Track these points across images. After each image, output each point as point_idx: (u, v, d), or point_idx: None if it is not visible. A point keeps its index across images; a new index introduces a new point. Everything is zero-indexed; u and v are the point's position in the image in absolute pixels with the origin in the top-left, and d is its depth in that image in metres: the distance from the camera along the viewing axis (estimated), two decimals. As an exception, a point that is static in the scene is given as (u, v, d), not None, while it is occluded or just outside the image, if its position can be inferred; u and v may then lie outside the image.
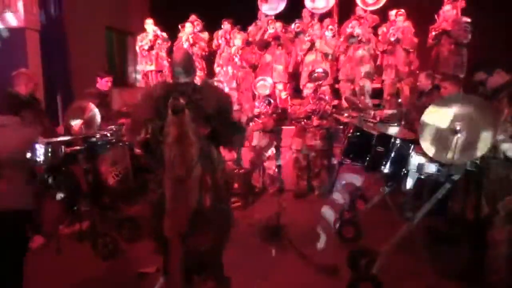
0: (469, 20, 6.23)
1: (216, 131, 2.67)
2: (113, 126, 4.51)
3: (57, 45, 6.70)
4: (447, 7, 6.41)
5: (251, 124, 5.88)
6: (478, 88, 3.10)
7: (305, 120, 5.71)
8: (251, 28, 7.52)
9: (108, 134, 4.33)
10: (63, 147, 3.93)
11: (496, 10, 6.86)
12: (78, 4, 7.00)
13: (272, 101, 6.05)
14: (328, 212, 4.64)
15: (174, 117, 2.48)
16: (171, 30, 7.50)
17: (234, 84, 7.03)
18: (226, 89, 6.44)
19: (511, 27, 6.86)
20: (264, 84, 6.20)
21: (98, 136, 4.23)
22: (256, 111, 5.89)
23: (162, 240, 2.61)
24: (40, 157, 3.63)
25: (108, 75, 5.17)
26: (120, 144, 4.28)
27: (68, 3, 6.74)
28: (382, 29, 6.95)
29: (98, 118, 4.46)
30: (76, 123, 4.23)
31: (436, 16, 6.55)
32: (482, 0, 6.72)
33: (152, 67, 7.37)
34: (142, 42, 7.33)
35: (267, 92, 6.14)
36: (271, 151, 5.81)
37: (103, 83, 5.15)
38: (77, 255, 3.87)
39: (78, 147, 4.11)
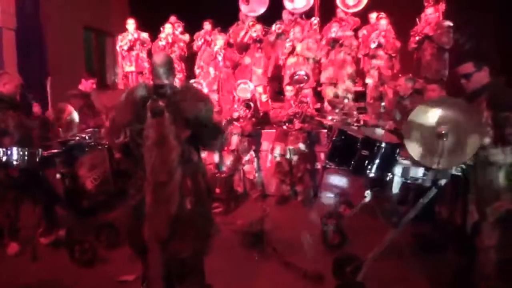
0: (451, 24, 6.33)
1: (195, 134, 2.65)
2: (91, 129, 4.45)
3: (34, 45, 6.57)
4: (429, 10, 6.50)
5: (229, 127, 5.85)
6: (460, 81, 3.09)
7: (287, 124, 5.70)
8: (232, 29, 7.53)
9: (87, 137, 4.26)
10: (40, 150, 3.86)
11: (478, 12, 6.99)
12: (55, 3, 6.88)
13: (251, 104, 6.02)
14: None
15: (154, 119, 2.47)
16: (152, 31, 7.45)
17: (215, 86, 7.01)
18: (205, 91, 6.41)
19: (494, 29, 7.04)
20: (245, 88, 6.17)
21: (76, 139, 4.15)
22: (235, 114, 5.85)
23: (141, 246, 2.57)
24: (17, 161, 3.55)
25: (92, 77, 5.19)
26: (99, 147, 4.21)
27: (46, 2, 6.62)
28: (362, 32, 7.03)
29: (76, 120, 4.39)
30: (53, 126, 4.15)
31: (417, 20, 6.65)
32: (463, 3, 6.84)
33: (132, 68, 7.31)
34: (122, 42, 7.25)
35: (248, 95, 6.11)
36: (250, 155, 5.78)
37: (88, 85, 5.12)
38: (53, 262, 3.77)
39: (55, 151, 4.04)
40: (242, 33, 7.20)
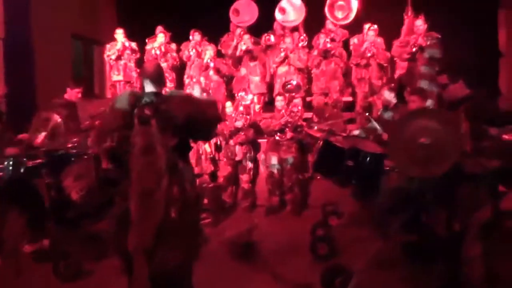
0: (439, 36, 6.49)
1: (190, 132, 2.69)
2: (78, 138, 4.44)
3: (21, 53, 6.56)
4: (419, 22, 6.62)
5: (233, 137, 5.87)
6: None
7: (278, 134, 5.75)
8: (223, 39, 7.59)
9: (73, 147, 4.26)
10: (25, 160, 3.85)
11: (456, 27, 7.25)
12: (43, 11, 6.89)
13: (250, 113, 6.09)
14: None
15: (141, 127, 2.50)
16: (139, 40, 7.49)
17: (205, 95, 7.05)
18: None
19: (472, 43, 7.25)
20: (243, 97, 6.26)
21: (62, 149, 4.15)
22: (238, 124, 5.87)
23: (127, 257, 2.57)
24: (1, 171, 3.54)
25: (77, 86, 5.16)
26: (86, 157, 4.21)
27: (34, 10, 6.63)
28: (353, 40, 7.13)
29: (62, 130, 4.39)
30: (39, 135, 4.15)
31: (402, 31, 6.80)
32: (448, 17, 7.07)
33: (120, 77, 7.31)
34: (110, 51, 7.27)
35: (248, 103, 6.22)
36: (249, 163, 5.81)
37: (73, 94, 5.10)
38: (37, 275, 3.74)
39: (41, 161, 4.03)
40: (233, 44, 7.27)
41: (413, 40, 6.57)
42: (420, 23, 6.59)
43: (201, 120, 2.72)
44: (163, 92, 2.87)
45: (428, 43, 6.39)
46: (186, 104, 2.72)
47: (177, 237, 2.61)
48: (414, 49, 6.51)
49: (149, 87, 2.75)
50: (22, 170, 3.87)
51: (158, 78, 2.78)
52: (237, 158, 5.82)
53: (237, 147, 5.83)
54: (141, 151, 2.49)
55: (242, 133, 5.82)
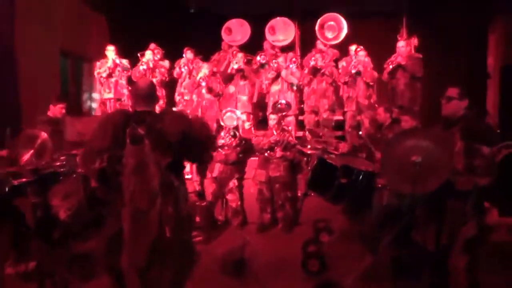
0: (421, 56, 6.78)
1: (185, 152, 2.68)
2: (65, 156, 4.40)
3: (6, 69, 6.50)
4: (401, 43, 6.87)
5: (214, 154, 5.87)
6: (442, 101, 3.25)
7: (268, 151, 5.78)
8: (214, 57, 7.67)
9: (61, 165, 4.21)
10: (10, 179, 3.80)
11: (448, 49, 7.52)
12: (31, 27, 6.86)
13: (237, 133, 6.09)
14: None
15: (133, 147, 2.47)
16: (130, 57, 7.51)
17: (199, 113, 7.08)
18: None
19: (463, 66, 7.50)
20: (231, 116, 6.27)
21: (49, 167, 4.10)
22: (221, 141, 5.89)
23: (119, 276, 2.54)
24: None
25: (61, 102, 5.11)
26: (74, 175, 4.17)
27: (20, 25, 6.60)
28: (342, 63, 7.27)
29: (50, 147, 4.34)
30: (25, 153, 4.10)
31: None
32: (434, 40, 7.29)
33: (111, 95, 7.29)
34: (101, 69, 7.26)
35: (235, 123, 6.20)
36: (232, 183, 5.81)
37: (56, 110, 5.06)
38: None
39: (26, 179, 3.97)
40: (225, 63, 7.35)
41: (393, 58, 6.76)
42: (401, 44, 6.81)
43: (194, 140, 2.72)
44: (156, 110, 2.88)
45: (411, 62, 6.59)
46: (180, 123, 2.73)
47: (170, 256, 2.60)
48: (391, 66, 6.67)
49: (141, 105, 2.74)
50: (7, 189, 3.80)
51: (150, 96, 2.78)
52: (214, 175, 5.81)
53: (217, 165, 5.82)
54: (133, 171, 2.47)
55: (223, 152, 5.81)
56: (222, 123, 6.18)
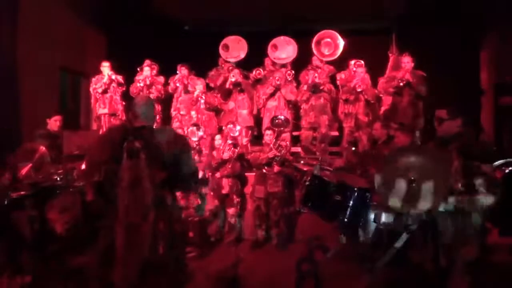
0: (424, 74, 6.81)
1: (171, 175, 2.72)
2: (63, 170, 4.44)
3: (7, 85, 6.57)
4: (406, 59, 6.88)
5: (220, 169, 5.92)
6: (434, 124, 3.31)
7: (265, 167, 5.82)
8: (211, 73, 7.77)
9: (58, 179, 4.25)
10: (8, 192, 3.82)
11: (440, 67, 7.60)
12: (31, 43, 6.97)
13: (238, 145, 6.16)
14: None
15: (129, 161, 2.53)
16: (127, 73, 7.61)
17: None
18: (200, 133, 6.55)
19: (455, 82, 7.66)
20: (232, 129, 6.40)
21: (47, 181, 4.14)
22: (225, 155, 5.94)
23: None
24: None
25: (56, 114, 5.15)
26: (71, 189, 4.20)
27: (21, 42, 6.70)
28: (340, 76, 7.36)
29: (48, 161, 4.38)
30: (24, 167, 4.13)
31: (386, 67, 7.15)
32: (425, 57, 7.35)
33: (105, 111, 7.39)
34: (96, 84, 7.37)
35: (237, 134, 6.35)
36: (235, 197, 5.84)
37: (52, 123, 5.10)
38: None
39: (24, 192, 4.00)
40: (220, 78, 7.45)
41: (401, 75, 6.82)
42: (407, 60, 6.87)
43: (186, 161, 2.77)
44: (153, 125, 2.94)
45: (416, 80, 6.65)
46: (177, 141, 2.79)
47: (162, 272, 2.62)
48: (401, 84, 6.73)
49: (139, 120, 2.80)
50: (5, 202, 3.83)
51: (148, 112, 2.85)
52: (224, 191, 5.85)
53: (224, 180, 5.86)
54: (128, 185, 2.53)
55: (229, 166, 5.86)
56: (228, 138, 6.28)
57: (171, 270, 2.67)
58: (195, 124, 6.57)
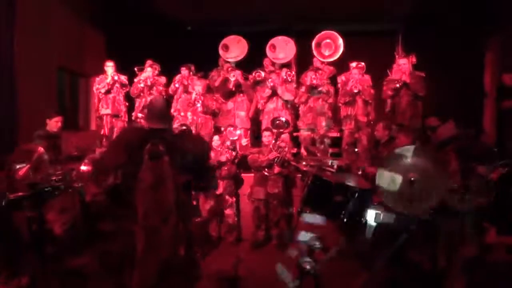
0: (423, 75, 6.85)
1: (193, 177, 2.71)
2: (62, 171, 4.41)
3: (5, 84, 6.54)
4: (402, 61, 6.96)
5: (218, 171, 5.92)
6: (427, 132, 3.34)
7: (266, 169, 5.81)
8: (212, 74, 7.75)
9: (57, 180, 4.22)
10: (6, 193, 3.80)
11: (444, 68, 7.68)
12: (29, 43, 6.94)
13: (236, 147, 6.17)
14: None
15: (151, 163, 2.50)
16: (128, 73, 7.58)
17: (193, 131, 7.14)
18: None
19: (457, 84, 7.70)
20: (231, 132, 6.46)
21: (46, 181, 4.11)
22: (223, 158, 5.94)
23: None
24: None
25: (57, 115, 5.13)
26: (70, 190, 4.18)
27: (19, 41, 6.67)
28: (341, 78, 7.36)
29: (46, 162, 4.36)
30: (22, 167, 4.11)
31: (388, 70, 7.13)
32: (430, 59, 7.44)
33: (108, 111, 7.37)
34: (100, 85, 7.34)
35: (236, 138, 6.37)
36: (232, 198, 5.84)
37: (52, 124, 5.09)
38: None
39: (22, 193, 3.98)
40: (219, 79, 7.43)
41: (397, 76, 6.84)
42: (403, 62, 6.89)
43: (205, 165, 2.76)
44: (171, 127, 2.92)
45: (413, 80, 6.66)
46: (202, 146, 2.77)
47: (180, 274, 2.60)
48: (398, 85, 6.75)
49: (157, 122, 2.77)
50: (3, 203, 3.81)
51: (166, 113, 2.83)
52: (218, 192, 5.86)
53: (219, 182, 5.87)
54: (150, 187, 2.50)
55: (226, 168, 5.86)
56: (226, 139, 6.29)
57: (188, 272, 2.66)
58: (184, 125, 6.54)
